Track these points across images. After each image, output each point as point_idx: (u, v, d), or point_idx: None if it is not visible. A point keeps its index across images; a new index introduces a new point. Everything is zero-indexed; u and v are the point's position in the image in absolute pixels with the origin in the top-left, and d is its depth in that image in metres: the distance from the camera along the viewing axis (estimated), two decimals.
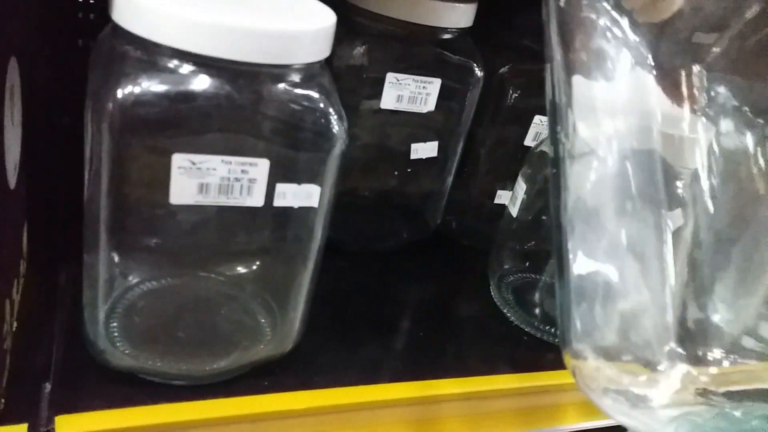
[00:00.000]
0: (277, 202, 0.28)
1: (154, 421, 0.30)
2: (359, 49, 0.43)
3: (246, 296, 0.35)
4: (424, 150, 0.45)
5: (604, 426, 0.45)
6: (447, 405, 0.39)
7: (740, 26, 0.32)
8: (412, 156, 0.45)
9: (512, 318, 0.45)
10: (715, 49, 0.35)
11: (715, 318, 0.52)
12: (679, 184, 0.40)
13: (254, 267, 0.35)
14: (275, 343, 0.34)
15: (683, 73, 0.34)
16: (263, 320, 0.35)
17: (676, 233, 0.39)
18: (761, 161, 0.41)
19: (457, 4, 0.42)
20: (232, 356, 0.32)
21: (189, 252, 0.34)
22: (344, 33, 0.42)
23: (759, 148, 0.44)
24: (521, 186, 0.44)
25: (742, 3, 0.32)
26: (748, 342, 0.48)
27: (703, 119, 0.37)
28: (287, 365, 0.35)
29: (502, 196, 0.51)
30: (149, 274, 0.34)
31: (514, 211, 0.44)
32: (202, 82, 0.26)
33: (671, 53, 0.33)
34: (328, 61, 0.30)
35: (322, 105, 0.28)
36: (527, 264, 0.47)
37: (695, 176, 0.40)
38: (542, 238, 0.44)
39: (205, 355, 0.32)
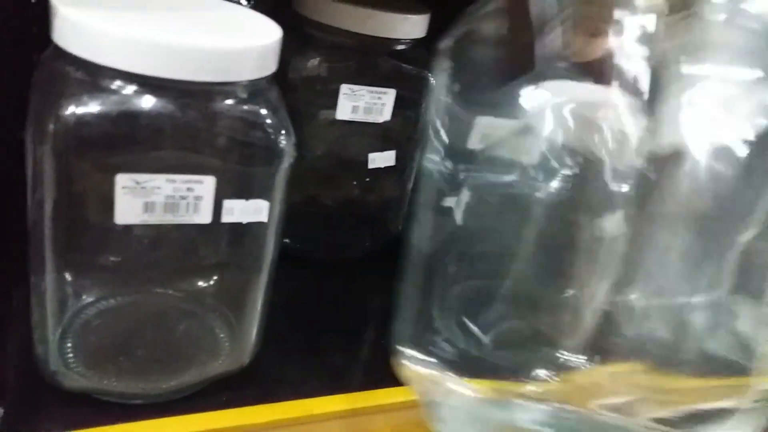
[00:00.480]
0: (225, 219, 0.28)
1: None
2: (313, 61, 0.43)
3: (202, 311, 0.35)
4: (381, 159, 0.46)
5: None
6: (414, 411, 0.39)
7: None
8: (370, 165, 0.46)
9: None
10: None
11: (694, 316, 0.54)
12: (624, 186, 0.41)
13: (209, 282, 0.35)
14: (233, 357, 0.34)
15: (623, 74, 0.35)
16: (221, 335, 0.35)
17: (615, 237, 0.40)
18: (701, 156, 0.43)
19: (409, 16, 0.43)
20: (188, 372, 0.32)
21: (142, 269, 0.34)
22: (298, 45, 0.43)
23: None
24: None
25: None
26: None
27: (641, 116, 0.38)
28: (246, 379, 0.35)
29: None
30: (102, 292, 0.34)
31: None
32: (145, 102, 0.26)
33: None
34: (283, 73, 0.30)
35: (269, 120, 0.28)
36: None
37: (642, 176, 0.41)
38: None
39: (162, 373, 0.32)
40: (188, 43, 0.25)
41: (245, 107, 0.28)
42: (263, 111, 0.28)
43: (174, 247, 0.32)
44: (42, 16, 0.45)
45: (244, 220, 0.29)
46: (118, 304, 0.34)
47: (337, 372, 0.38)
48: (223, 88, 0.27)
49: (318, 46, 0.43)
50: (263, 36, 0.28)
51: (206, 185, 0.27)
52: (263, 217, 0.29)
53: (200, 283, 0.35)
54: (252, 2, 0.41)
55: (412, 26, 0.43)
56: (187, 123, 0.27)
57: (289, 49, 0.40)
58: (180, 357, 0.34)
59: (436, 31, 0.46)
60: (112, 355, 0.33)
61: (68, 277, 0.30)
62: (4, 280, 0.37)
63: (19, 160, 0.42)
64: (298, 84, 0.43)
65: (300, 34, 0.43)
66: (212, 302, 0.35)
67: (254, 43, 0.27)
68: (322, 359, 0.39)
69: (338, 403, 0.36)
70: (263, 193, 0.29)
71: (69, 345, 0.32)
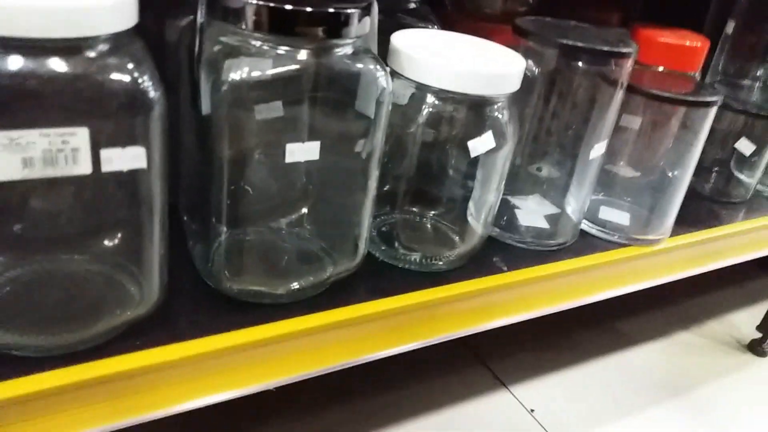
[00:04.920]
0: (105, 168, 0.30)
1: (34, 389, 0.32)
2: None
3: (108, 267, 0.37)
4: None
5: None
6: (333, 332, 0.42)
7: None
8: None
9: (378, 255, 0.49)
10: None
11: (568, 209, 0.60)
12: (490, 111, 0.45)
13: (110, 238, 0.37)
14: (141, 305, 0.36)
15: None
16: (130, 287, 0.37)
17: (490, 154, 0.45)
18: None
19: None
20: (100, 323, 0.34)
21: (46, 235, 0.35)
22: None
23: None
24: None
25: None
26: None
27: None
28: (156, 323, 0.37)
29: None
30: (9, 263, 0.35)
31: None
32: (14, 63, 0.27)
33: None
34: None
35: (135, 73, 0.30)
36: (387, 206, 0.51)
37: (513, 101, 0.46)
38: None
39: (73, 326, 0.34)
40: (46, 2, 0.27)
41: (110, 60, 0.29)
42: (128, 63, 0.30)
43: (68, 206, 0.33)
44: None
45: (125, 167, 0.30)
46: (30, 271, 0.35)
47: (243, 308, 0.41)
48: (85, 43, 0.29)
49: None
50: None
51: (80, 136, 0.29)
52: (143, 164, 0.31)
53: (103, 241, 0.37)
54: None
55: None
56: (55, 79, 0.28)
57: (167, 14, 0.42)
58: (91, 310, 0.35)
59: None
60: (27, 315, 0.34)
61: None
62: None
63: None
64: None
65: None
66: (117, 256, 0.37)
67: None
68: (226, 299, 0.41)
69: (245, 336, 0.38)
70: (140, 140, 0.31)
71: None
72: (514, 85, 0.44)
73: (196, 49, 0.34)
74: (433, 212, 0.52)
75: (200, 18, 0.34)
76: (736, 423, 0.74)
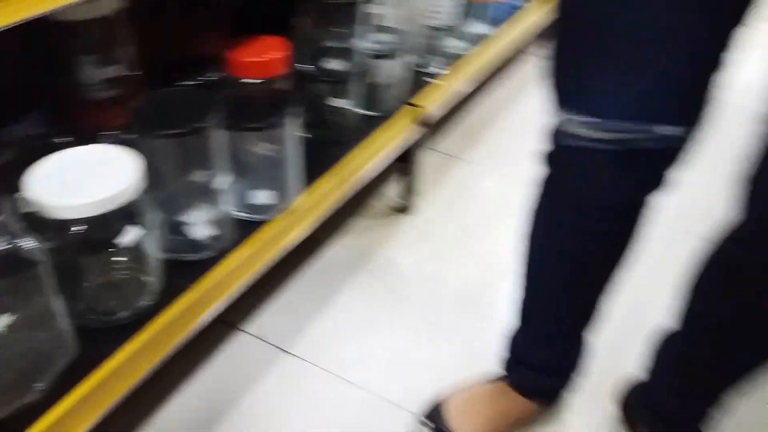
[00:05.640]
0: None
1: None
2: None
3: None
4: None
5: None
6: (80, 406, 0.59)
7: None
8: None
9: (97, 326, 0.64)
10: None
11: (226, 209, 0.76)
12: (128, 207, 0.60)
13: None
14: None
15: None
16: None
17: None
18: None
19: None
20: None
21: None
22: None
23: None
24: None
25: None
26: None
27: None
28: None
29: None
30: None
31: None
32: None
33: None
34: None
35: None
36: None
37: None
38: None
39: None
40: None
41: None
42: None
43: None
44: None
45: None
46: None
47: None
48: None
49: None
50: None
51: None
52: None
53: None
54: None
55: None
56: None
57: None
58: None
59: None
60: None
61: None
62: None
63: None
64: None
65: None
66: None
67: None
68: None
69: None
70: None
71: None
72: (137, 189, 0.59)
73: None
74: (118, 267, 0.67)
75: None
76: (399, 265, 1.09)
